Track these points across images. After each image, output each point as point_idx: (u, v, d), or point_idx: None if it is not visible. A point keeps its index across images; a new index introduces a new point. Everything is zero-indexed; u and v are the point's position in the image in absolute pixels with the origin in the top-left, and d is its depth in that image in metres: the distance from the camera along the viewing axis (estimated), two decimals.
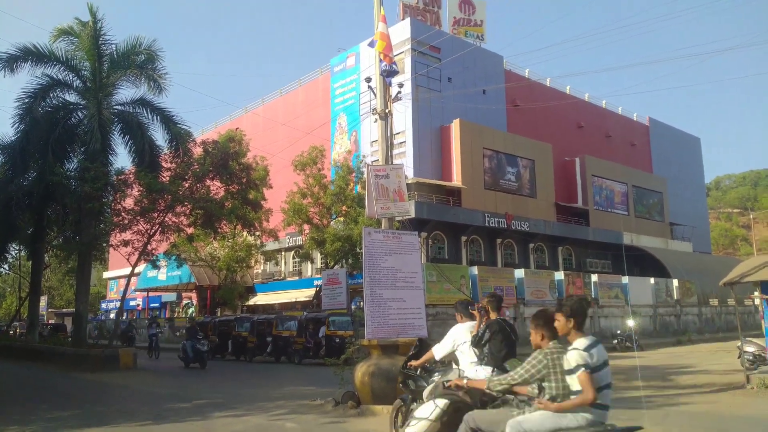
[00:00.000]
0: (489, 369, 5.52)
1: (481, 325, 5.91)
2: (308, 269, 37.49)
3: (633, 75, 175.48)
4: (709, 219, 67.41)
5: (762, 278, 12.16)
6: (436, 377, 5.77)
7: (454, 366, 6.05)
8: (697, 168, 58.62)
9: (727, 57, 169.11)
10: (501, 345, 5.65)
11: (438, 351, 6.20)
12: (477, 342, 5.79)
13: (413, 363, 6.23)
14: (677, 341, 30.58)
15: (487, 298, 6.14)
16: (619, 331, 26.56)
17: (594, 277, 32.23)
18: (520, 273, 28.89)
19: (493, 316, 5.91)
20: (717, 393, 11.99)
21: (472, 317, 6.30)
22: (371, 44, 12.55)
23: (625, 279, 33.66)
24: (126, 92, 22.65)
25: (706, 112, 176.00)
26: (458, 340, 6.15)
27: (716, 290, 37.23)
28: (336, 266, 28.87)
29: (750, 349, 15.51)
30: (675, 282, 36.46)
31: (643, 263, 41.29)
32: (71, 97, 22.18)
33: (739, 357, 14.05)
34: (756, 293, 13.11)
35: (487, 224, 34.18)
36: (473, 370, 5.65)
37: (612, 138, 48.60)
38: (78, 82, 21.80)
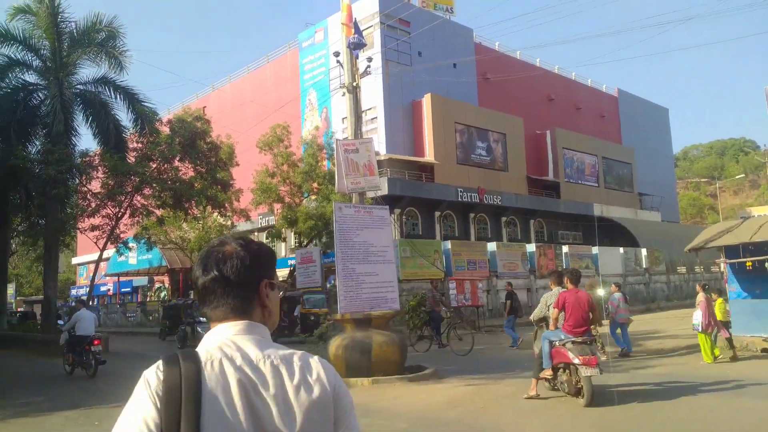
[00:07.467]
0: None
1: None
2: (282, 249, 37.30)
3: (601, 45, 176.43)
4: (678, 189, 68.67)
5: (726, 243, 12.46)
6: None
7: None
8: (666, 138, 59.42)
9: (696, 25, 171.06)
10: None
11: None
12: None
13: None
14: (646, 309, 31.29)
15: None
16: None
17: (565, 249, 32.71)
18: (492, 246, 29.14)
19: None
20: (683, 356, 12.33)
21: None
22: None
23: (596, 249, 34.21)
24: (87, 71, 22.00)
25: (675, 83, 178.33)
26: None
27: (684, 258, 38.10)
28: (309, 245, 28.77)
29: None
30: (644, 251, 37.17)
31: (613, 233, 41.97)
32: (31, 78, 21.61)
33: None
34: (720, 258, 13.44)
35: (460, 199, 34.32)
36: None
37: (582, 110, 48.93)
38: (37, 61, 21.16)
